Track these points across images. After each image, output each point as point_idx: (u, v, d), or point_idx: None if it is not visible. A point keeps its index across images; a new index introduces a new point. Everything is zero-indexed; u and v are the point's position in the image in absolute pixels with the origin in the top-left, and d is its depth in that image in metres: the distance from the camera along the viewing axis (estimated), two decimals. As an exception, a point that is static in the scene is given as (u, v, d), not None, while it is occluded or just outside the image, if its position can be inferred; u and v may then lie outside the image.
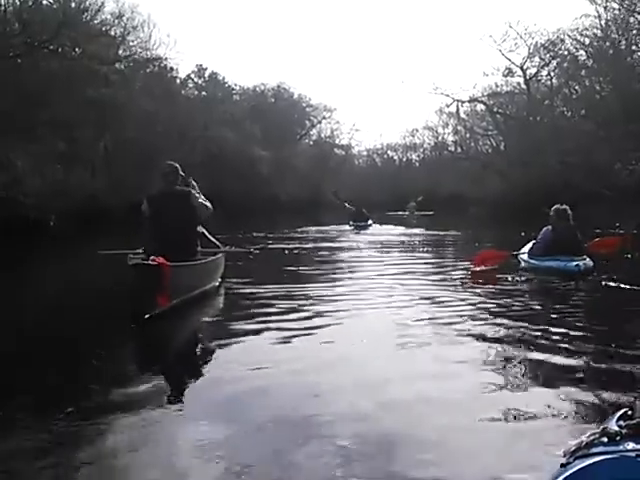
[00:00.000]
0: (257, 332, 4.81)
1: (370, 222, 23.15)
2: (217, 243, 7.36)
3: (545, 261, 8.03)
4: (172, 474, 2.48)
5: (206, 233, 7.11)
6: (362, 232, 20.25)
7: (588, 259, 7.96)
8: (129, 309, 5.14)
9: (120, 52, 25.03)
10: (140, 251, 6.20)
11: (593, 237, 9.70)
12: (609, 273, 7.49)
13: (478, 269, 8.39)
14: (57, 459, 2.59)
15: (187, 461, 2.57)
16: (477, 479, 2.37)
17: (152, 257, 5.25)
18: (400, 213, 36.98)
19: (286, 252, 12.35)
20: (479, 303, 6.01)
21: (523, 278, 7.82)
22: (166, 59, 29.44)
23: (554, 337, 4.49)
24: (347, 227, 22.00)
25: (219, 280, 7.13)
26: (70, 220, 16.24)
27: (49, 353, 4.31)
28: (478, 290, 6.93)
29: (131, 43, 25.95)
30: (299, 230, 19.74)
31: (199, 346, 5.01)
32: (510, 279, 7.68)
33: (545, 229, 8.32)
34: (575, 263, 7.68)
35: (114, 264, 6.57)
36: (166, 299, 5.31)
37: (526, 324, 4.92)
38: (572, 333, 4.60)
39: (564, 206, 8.25)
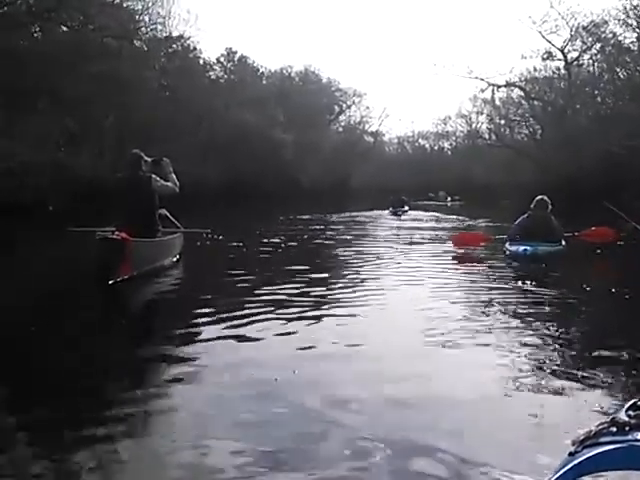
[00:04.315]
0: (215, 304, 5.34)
1: (407, 208, 25.31)
2: (177, 224, 8.28)
3: (513, 245, 8.76)
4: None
5: (168, 215, 7.93)
6: (401, 217, 22.22)
7: (558, 246, 8.69)
8: (93, 276, 5.97)
9: (138, 28, 23.96)
10: (108, 228, 6.79)
11: (589, 226, 10.23)
12: (578, 263, 8.26)
13: (460, 251, 9.40)
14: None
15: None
16: (487, 461, 2.36)
17: (116, 232, 6.17)
18: (438, 203, 38.04)
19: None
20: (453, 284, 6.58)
21: (495, 262, 8.44)
22: (189, 38, 28.49)
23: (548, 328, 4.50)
24: (385, 212, 24.01)
25: (177, 256, 7.91)
26: (71, 202, 15.13)
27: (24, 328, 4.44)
28: (453, 273, 7.55)
29: (149, 19, 24.98)
30: (339, 217, 20.29)
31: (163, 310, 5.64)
32: (487, 263, 8.41)
33: (522, 217, 9.20)
34: (523, 248, 8.42)
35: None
36: (128, 269, 6.18)
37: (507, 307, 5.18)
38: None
39: (543, 196, 9.16)
